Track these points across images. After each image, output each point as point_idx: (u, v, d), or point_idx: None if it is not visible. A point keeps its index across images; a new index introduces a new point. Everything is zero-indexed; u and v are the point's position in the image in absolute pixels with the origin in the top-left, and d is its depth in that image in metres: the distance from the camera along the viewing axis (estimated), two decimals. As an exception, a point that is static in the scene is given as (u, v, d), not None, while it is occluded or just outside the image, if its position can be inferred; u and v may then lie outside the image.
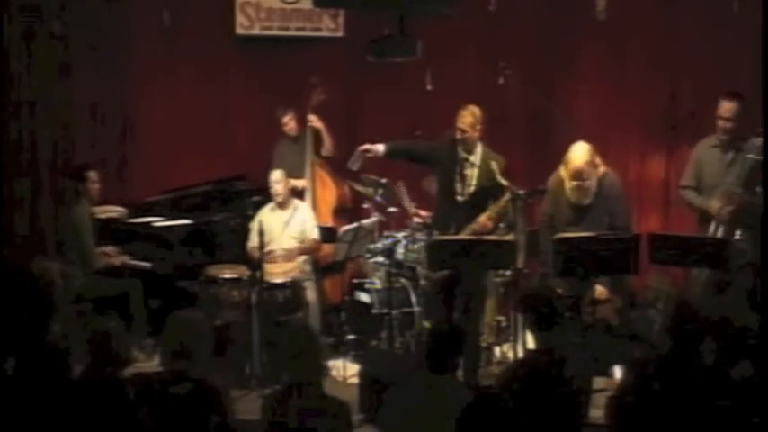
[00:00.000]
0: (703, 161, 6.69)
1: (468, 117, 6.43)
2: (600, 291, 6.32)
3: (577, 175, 6.33)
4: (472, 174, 6.48)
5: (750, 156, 6.36)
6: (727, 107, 6.52)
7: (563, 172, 6.42)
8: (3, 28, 7.50)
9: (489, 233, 6.42)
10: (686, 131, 7.54)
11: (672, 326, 4.30)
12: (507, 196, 6.33)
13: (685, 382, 4.09)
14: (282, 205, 7.29)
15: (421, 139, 6.82)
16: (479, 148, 6.49)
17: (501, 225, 6.70)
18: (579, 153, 6.36)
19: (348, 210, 7.98)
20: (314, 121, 7.81)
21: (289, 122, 7.91)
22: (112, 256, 7.21)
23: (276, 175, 7.29)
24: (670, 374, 4.13)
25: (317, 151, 7.89)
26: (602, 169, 6.42)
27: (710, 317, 4.41)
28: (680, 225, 7.28)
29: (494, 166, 6.36)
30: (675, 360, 4.19)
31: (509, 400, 3.57)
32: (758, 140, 6.28)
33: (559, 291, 5.58)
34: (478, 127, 6.44)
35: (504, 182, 6.30)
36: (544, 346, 4.74)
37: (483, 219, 6.36)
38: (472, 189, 6.47)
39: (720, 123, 6.56)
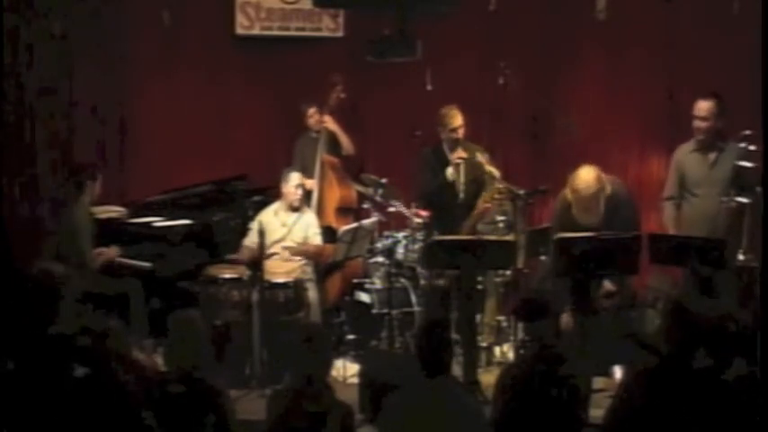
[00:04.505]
0: (684, 166, 6.66)
1: (460, 116, 6.72)
2: (607, 285, 6.29)
3: (585, 202, 6.12)
4: (460, 170, 6.62)
5: (738, 162, 6.33)
6: (702, 107, 6.51)
7: (569, 195, 6.18)
8: (2, 28, 7.49)
9: (489, 222, 6.53)
10: (686, 131, 7.53)
11: (666, 326, 4.27)
12: (497, 182, 6.44)
13: (682, 383, 4.09)
14: (297, 209, 7.27)
15: (425, 174, 6.97)
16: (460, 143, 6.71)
17: (501, 218, 6.76)
18: (586, 180, 6.08)
19: (353, 210, 7.98)
20: (328, 122, 7.82)
21: (313, 116, 7.92)
22: (107, 253, 7.20)
23: (295, 179, 7.25)
24: (666, 375, 4.12)
25: (336, 151, 7.92)
26: (608, 189, 6.17)
27: (708, 317, 4.41)
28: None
29: (479, 156, 6.52)
30: (671, 361, 4.17)
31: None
32: (741, 145, 6.28)
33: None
34: None
35: (493, 170, 6.47)
36: (542, 346, 4.73)
37: (480, 205, 6.48)
38: (463, 184, 6.59)
39: (696, 123, 6.55)
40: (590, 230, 6.23)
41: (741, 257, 6.11)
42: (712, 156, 6.56)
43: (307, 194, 7.60)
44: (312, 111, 7.91)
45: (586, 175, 6.09)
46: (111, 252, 7.19)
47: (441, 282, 6.65)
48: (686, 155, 6.69)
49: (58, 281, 5.46)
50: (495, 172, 6.49)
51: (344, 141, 7.92)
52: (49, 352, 4.22)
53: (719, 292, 5.91)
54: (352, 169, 8.05)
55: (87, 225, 7.04)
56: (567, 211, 6.25)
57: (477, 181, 6.70)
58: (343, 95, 7.79)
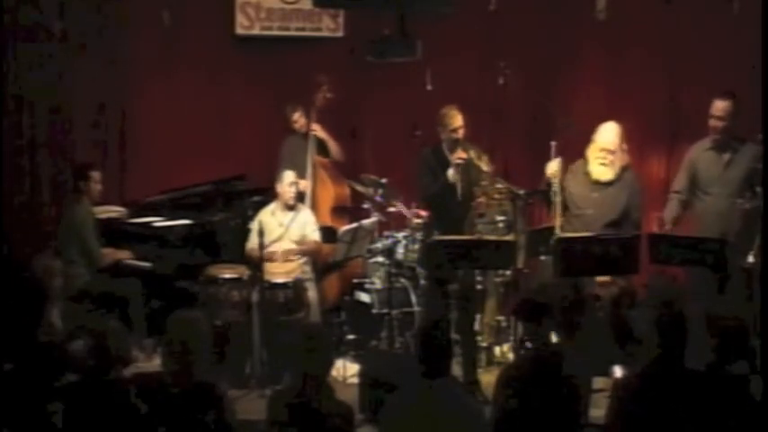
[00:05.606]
0: (698, 164, 6.67)
1: (460, 117, 6.71)
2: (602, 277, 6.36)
3: (604, 148, 6.46)
4: (458, 169, 6.66)
5: (751, 165, 6.34)
6: (719, 106, 6.52)
7: (588, 150, 6.55)
8: (2, 27, 7.49)
9: (489, 222, 6.56)
10: (686, 131, 7.54)
11: (657, 325, 4.25)
12: (488, 176, 6.59)
13: (679, 382, 4.08)
14: (292, 207, 7.29)
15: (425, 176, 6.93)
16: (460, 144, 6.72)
17: (501, 218, 6.78)
18: (610, 129, 6.54)
19: (349, 209, 7.99)
20: (317, 129, 7.84)
21: (299, 119, 7.92)
22: (117, 255, 7.21)
23: (289, 177, 7.28)
24: (663, 374, 4.12)
25: (325, 153, 7.92)
26: (626, 157, 6.59)
27: (708, 316, 4.41)
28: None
29: (471, 152, 6.53)
30: (667, 360, 4.16)
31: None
32: (756, 147, 6.27)
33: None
34: None
35: (482, 164, 6.58)
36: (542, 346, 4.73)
37: (476, 201, 6.54)
38: (460, 183, 6.61)
39: (712, 122, 6.56)
40: (603, 189, 6.45)
41: (751, 259, 6.10)
42: (727, 156, 6.56)
43: (300, 196, 7.60)
44: (297, 115, 7.91)
45: (611, 125, 6.56)
46: (121, 254, 7.21)
47: (454, 286, 6.65)
48: (701, 153, 6.68)
49: (58, 276, 5.48)
50: (484, 166, 6.55)
51: (333, 148, 7.95)
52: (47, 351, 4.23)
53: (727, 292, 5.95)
54: (343, 169, 8.05)
55: (90, 224, 7.05)
56: (583, 168, 6.56)
57: (474, 181, 6.70)
58: (329, 95, 7.79)
